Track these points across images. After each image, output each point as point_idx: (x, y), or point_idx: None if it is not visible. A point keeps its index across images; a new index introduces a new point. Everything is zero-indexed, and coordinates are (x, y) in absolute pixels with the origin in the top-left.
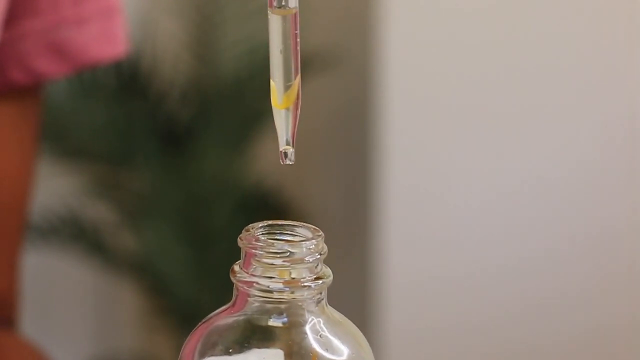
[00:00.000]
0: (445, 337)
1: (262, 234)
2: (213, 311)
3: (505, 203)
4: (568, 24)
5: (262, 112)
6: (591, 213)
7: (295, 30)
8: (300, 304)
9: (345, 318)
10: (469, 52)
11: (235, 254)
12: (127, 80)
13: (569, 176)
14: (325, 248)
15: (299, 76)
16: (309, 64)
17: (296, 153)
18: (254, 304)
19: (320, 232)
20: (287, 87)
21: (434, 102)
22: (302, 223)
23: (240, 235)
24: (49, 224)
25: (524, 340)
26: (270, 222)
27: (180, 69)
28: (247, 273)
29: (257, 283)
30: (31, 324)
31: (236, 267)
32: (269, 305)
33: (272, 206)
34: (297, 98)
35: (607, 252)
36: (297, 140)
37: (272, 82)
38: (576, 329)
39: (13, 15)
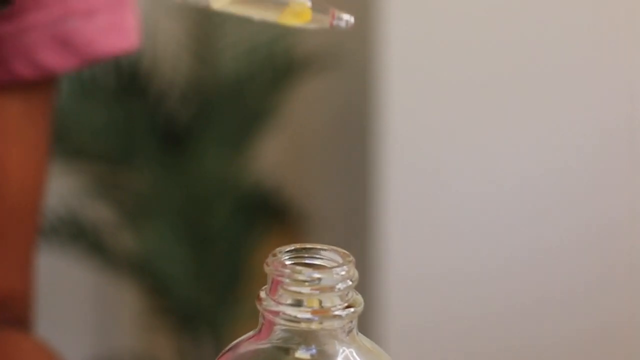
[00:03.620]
0: (445, 335)
1: (290, 257)
2: (212, 311)
3: (505, 200)
4: (567, 23)
5: (261, 112)
6: (591, 210)
7: None
8: (330, 334)
9: (375, 345)
10: (468, 52)
11: (234, 254)
12: (127, 80)
13: (568, 173)
14: (357, 274)
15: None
16: (309, 64)
17: (295, 152)
18: (280, 333)
19: (351, 257)
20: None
21: (433, 102)
22: (330, 247)
23: (267, 260)
24: (49, 224)
25: (524, 336)
26: (297, 245)
27: (180, 69)
28: (274, 301)
29: (284, 313)
30: None
31: (262, 294)
32: (296, 336)
33: (271, 206)
34: (307, 4)
35: (607, 248)
36: (296, 139)
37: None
38: (576, 324)
39: (19, 8)
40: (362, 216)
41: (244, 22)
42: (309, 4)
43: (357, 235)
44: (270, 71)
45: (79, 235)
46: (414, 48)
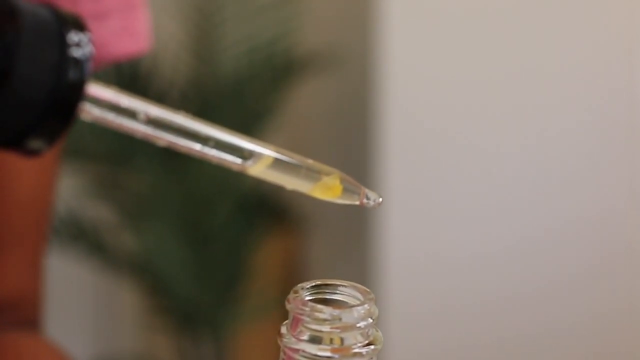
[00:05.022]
0: (444, 331)
1: (310, 294)
2: (212, 311)
3: (505, 201)
4: (567, 21)
5: (261, 112)
6: (589, 201)
7: (289, 156)
8: None
9: None
10: (468, 51)
11: (234, 254)
12: (127, 80)
13: (565, 166)
14: (377, 312)
15: (320, 177)
16: (309, 64)
17: (295, 152)
18: None
19: (372, 295)
20: (325, 187)
21: (433, 102)
22: (351, 283)
23: (288, 296)
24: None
25: (526, 331)
26: (318, 281)
27: (180, 69)
28: (294, 337)
29: (304, 350)
30: None
31: (283, 329)
32: None
33: (271, 206)
34: (339, 182)
35: (604, 239)
36: (295, 139)
37: (312, 195)
38: (575, 313)
39: None
40: (362, 217)
41: (244, 22)
42: (341, 181)
43: (356, 236)
44: (270, 71)
45: (79, 236)
46: (414, 48)
